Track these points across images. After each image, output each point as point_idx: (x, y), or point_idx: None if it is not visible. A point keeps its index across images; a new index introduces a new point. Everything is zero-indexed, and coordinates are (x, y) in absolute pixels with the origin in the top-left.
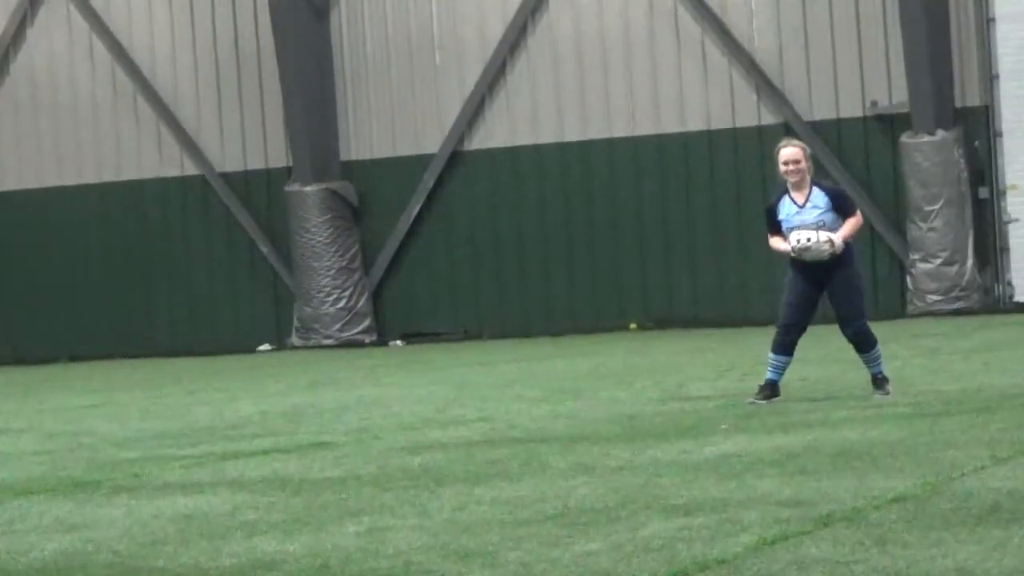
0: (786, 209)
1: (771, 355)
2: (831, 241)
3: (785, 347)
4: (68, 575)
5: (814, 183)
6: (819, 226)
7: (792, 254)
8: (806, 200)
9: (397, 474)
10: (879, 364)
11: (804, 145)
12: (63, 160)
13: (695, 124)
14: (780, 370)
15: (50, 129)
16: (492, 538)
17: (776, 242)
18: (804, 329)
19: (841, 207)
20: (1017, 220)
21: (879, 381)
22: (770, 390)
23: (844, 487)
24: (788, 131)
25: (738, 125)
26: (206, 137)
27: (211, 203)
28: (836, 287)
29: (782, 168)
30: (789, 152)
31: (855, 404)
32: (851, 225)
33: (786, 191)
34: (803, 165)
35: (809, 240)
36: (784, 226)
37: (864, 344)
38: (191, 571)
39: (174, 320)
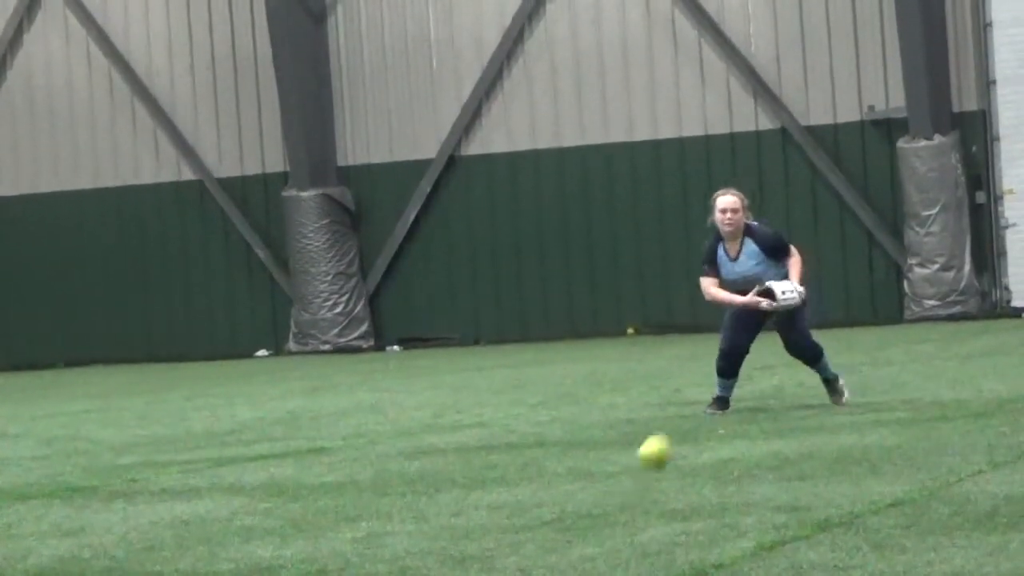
0: (720, 258)
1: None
2: (799, 292)
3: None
4: None
5: (747, 229)
6: (760, 279)
7: (766, 307)
8: (739, 252)
9: (394, 479)
10: (828, 369)
11: (742, 195)
12: (60, 165)
13: (692, 129)
14: (729, 389)
15: (47, 134)
16: (489, 543)
17: (717, 291)
18: (748, 352)
19: (776, 251)
20: (1014, 225)
21: (834, 386)
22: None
23: (842, 492)
24: (786, 136)
25: (736, 130)
26: (203, 142)
27: (208, 208)
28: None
29: (719, 216)
30: (727, 200)
31: (852, 409)
32: (798, 268)
33: (719, 238)
34: (740, 216)
35: (793, 293)
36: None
37: (814, 359)
38: None
39: (171, 325)
